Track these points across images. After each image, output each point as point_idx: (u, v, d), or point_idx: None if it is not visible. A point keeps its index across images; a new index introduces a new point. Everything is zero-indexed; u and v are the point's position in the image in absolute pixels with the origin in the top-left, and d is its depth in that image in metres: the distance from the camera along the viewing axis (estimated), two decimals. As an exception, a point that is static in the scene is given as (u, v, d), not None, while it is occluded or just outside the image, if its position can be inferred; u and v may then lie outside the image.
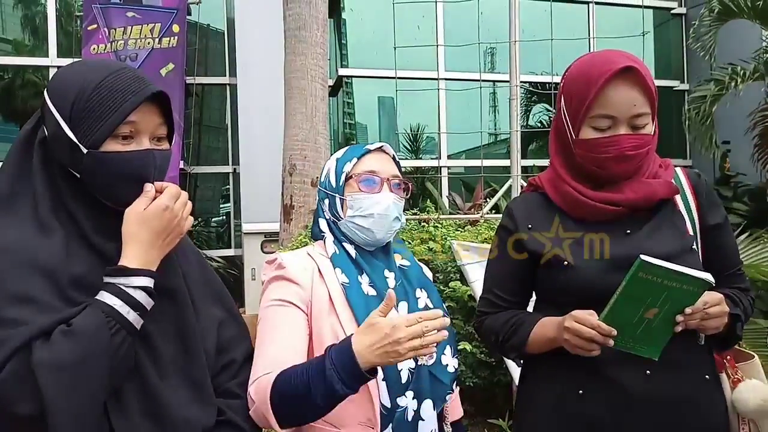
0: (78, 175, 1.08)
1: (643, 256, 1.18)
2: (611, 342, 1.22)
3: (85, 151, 1.05)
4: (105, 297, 1.01)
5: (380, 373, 1.24)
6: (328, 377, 1.09)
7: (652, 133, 1.35)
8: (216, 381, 1.19)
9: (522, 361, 1.54)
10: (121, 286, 1.03)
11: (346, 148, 1.47)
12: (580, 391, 1.35)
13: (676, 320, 1.22)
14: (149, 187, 1.10)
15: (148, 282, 1.05)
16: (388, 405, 1.26)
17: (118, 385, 1.01)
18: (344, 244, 1.40)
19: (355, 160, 1.41)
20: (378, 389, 1.25)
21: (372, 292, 1.33)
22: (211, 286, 1.29)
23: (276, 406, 1.14)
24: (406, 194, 1.45)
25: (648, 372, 1.31)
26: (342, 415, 1.24)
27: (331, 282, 1.33)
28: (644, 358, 1.27)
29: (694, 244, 1.38)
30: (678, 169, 1.45)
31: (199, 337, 1.17)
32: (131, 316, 1.02)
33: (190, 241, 1.32)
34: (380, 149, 1.44)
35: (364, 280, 1.35)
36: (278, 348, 1.24)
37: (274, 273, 1.35)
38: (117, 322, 1.00)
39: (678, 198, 1.40)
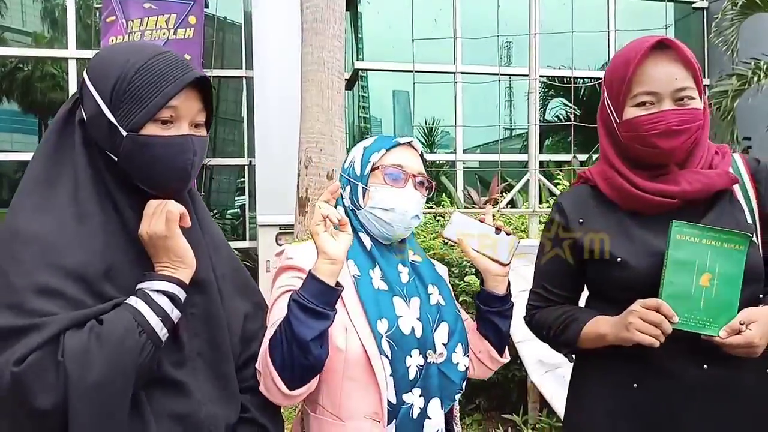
0: (115, 159, 1.06)
1: (674, 221, 1.23)
2: (676, 318, 1.21)
3: (124, 134, 1.03)
4: (131, 301, 1.01)
5: (389, 368, 1.24)
6: (301, 304, 1.13)
7: (702, 110, 1.31)
8: (239, 375, 1.19)
9: (573, 357, 1.51)
10: (145, 290, 1.03)
11: (374, 137, 1.45)
12: (635, 385, 1.32)
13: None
14: (149, 209, 1.08)
15: (170, 287, 1.04)
16: (394, 401, 1.25)
17: (137, 389, 1.00)
18: (360, 234, 1.38)
19: (383, 151, 1.38)
20: (387, 383, 1.24)
21: (383, 286, 1.32)
22: (239, 278, 1.28)
23: (278, 366, 1.15)
24: (429, 193, 1.43)
25: (705, 366, 1.27)
26: (349, 407, 1.24)
27: (341, 273, 1.30)
28: (701, 350, 1.24)
29: (754, 235, 1.31)
30: (736, 156, 1.40)
31: (227, 330, 1.16)
32: (154, 320, 1.00)
33: (221, 233, 1.30)
34: (409, 144, 1.42)
35: (375, 273, 1.34)
36: None
37: (282, 263, 1.34)
38: (141, 326, 0.99)
39: (736, 187, 1.35)
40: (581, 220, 1.41)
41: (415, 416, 1.27)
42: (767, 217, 1.35)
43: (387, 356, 1.25)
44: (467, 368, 1.37)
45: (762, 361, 1.29)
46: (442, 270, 1.53)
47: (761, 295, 1.32)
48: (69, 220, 1.02)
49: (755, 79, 6.34)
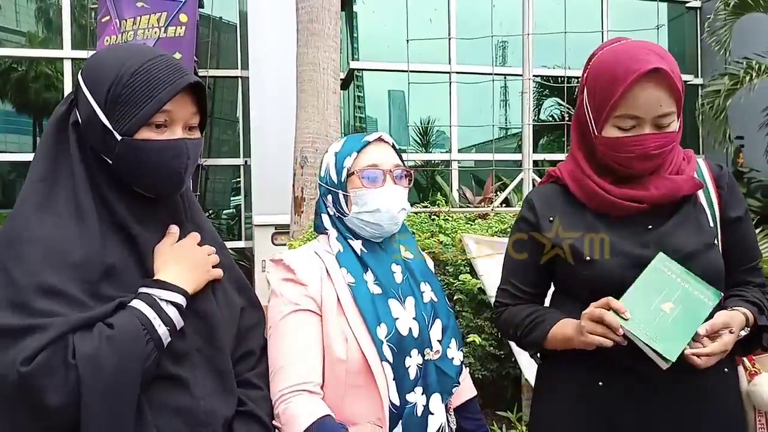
0: (110, 162, 1.08)
1: (661, 253, 1.24)
2: (628, 314, 1.21)
3: (119, 138, 1.04)
4: (139, 305, 1.02)
5: (391, 373, 1.26)
6: None
7: (677, 130, 1.33)
8: (235, 369, 1.20)
9: (540, 356, 1.53)
10: (155, 297, 1.04)
11: (343, 140, 1.44)
12: (600, 383, 1.34)
13: (696, 332, 1.22)
14: (174, 229, 1.14)
15: (180, 299, 1.06)
16: (398, 403, 1.26)
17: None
18: (349, 240, 1.38)
19: (355, 154, 1.37)
20: (387, 388, 1.25)
21: (377, 290, 1.33)
22: (232, 273, 1.29)
23: None
24: (409, 182, 1.43)
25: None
26: (353, 414, 1.26)
27: (339, 282, 1.32)
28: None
29: (715, 239, 1.36)
30: (700, 161, 1.43)
31: (223, 325, 1.18)
32: (161, 330, 1.02)
33: (213, 229, 1.32)
34: (379, 139, 1.42)
35: (369, 277, 1.35)
36: (302, 363, 1.25)
37: (283, 275, 1.34)
38: (149, 333, 1.00)
39: (700, 191, 1.38)
40: (551, 218, 1.43)
41: (419, 414, 1.29)
42: (728, 221, 1.38)
43: (389, 361, 1.26)
44: (462, 362, 1.39)
45: (721, 362, 1.32)
46: (430, 264, 1.54)
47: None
48: (69, 220, 1.03)
49: (748, 78, 6.38)
